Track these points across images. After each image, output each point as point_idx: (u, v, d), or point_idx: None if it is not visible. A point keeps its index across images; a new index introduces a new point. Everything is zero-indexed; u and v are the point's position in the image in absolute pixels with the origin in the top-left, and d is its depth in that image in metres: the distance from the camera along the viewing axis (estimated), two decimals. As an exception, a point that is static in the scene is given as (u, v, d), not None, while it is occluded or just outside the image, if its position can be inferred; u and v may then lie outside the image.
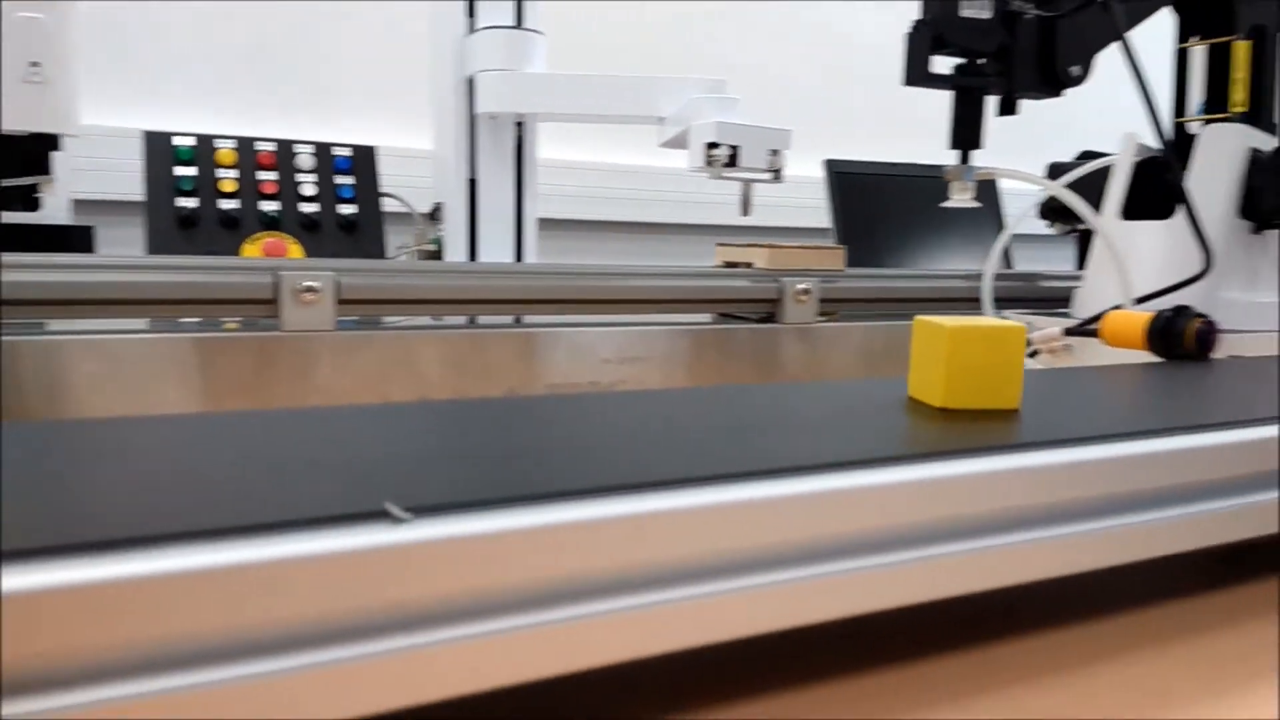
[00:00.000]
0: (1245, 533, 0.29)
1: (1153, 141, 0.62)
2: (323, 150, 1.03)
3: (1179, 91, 0.73)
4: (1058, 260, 1.22)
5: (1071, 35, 0.65)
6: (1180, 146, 0.69)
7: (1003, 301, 0.73)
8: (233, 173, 0.98)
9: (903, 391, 0.33)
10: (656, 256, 1.47)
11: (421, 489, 0.19)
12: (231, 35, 1.18)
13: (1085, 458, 0.26)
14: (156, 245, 0.93)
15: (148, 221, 0.94)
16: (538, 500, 0.19)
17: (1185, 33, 0.72)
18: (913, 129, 1.20)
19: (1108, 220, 0.69)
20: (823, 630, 0.22)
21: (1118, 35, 0.60)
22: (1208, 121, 0.69)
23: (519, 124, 0.93)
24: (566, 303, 0.64)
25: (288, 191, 1.00)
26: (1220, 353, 0.46)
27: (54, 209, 0.93)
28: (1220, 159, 0.66)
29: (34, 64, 0.63)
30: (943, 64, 0.64)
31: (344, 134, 1.09)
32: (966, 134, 0.65)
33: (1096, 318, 0.51)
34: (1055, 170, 0.78)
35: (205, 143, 0.98)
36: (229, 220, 0.96)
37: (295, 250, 0.98)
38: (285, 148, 1.01)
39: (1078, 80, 0.66)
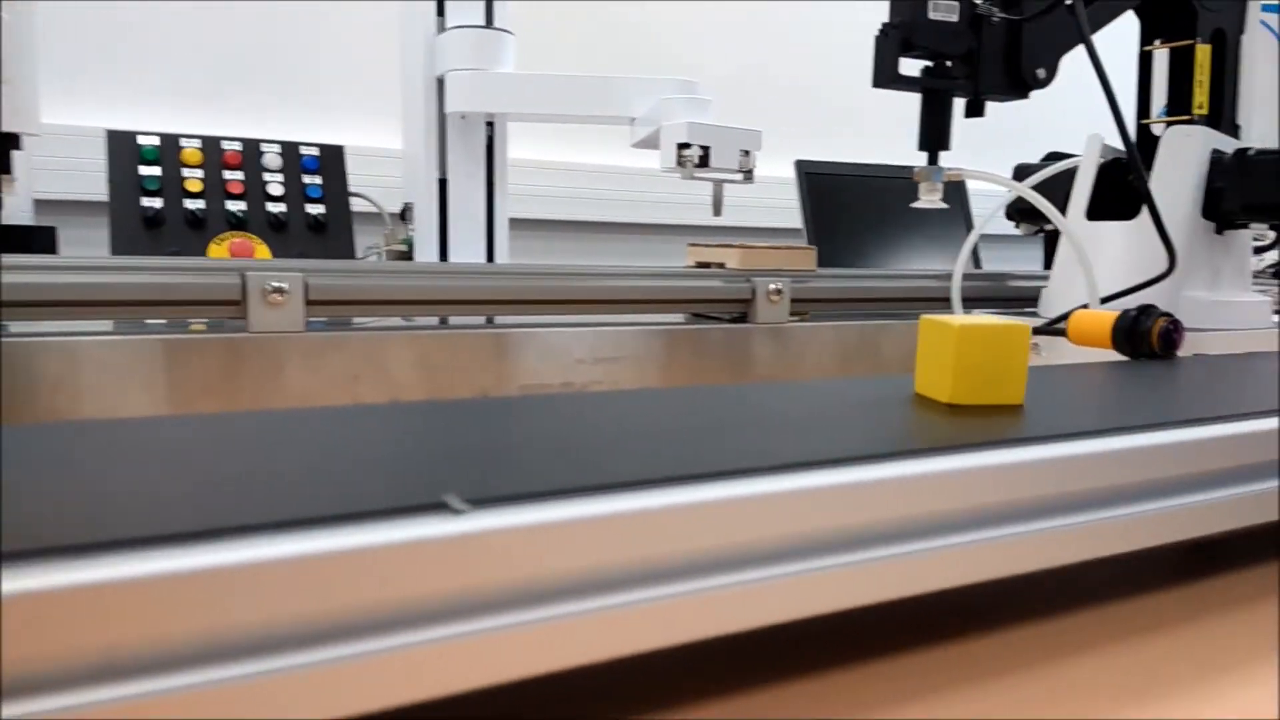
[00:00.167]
0: (1237, 522, 0.30)
1: (1117, 143, 0.62)
2: (290, 149, 1.02)
3: (1143, 94, 0.74)
4: (1025, 260, 1.24)
5: (1037, 38, 0.65)
6: (1144, 148, 0.70)
7: (971, 301, 0.74)
8: (198, 172, 0.97)
9: (909, 389, 0.34)
10: (628, 257, 1.47)
11: (463, 483, 0.20)
12: (197, 33, 1.17)
13: (1101, 449, 0.27)
14: (121, 246, 0.92)
15: (112, 222, 0.92)
16: (591, 491, 0.20)
17: (1148, 36, 0.73)
18: (883, 130, 1.21)
19: (1073, 221, 0.70)
20: (828, 622, 0.23)
21: (1082, 38, 0.61)
22: (1170, 124, 0.70)
23: (490, 124, 0.93)
24: (538, 303, 0.64)
25: (254, 191, 0.99)
26: (1184, 351, 0.47)
27: (15, 209, 0.91)
28: (1183, 160, 0.67)
29: (-7, 61, 0.61)
30: (911, 66, 0.65)
31: (311, 133, 1.08)
32: (934, 135, 0.66)
33: (1063, 317, 0.51)
34: (1021, 172, 0.79)
35: (170, 142, 0.97)
36: (195, 220, 0.95)
37: (262, 251, 0.97)
38: (252, 147, 1.00)
39: (1043, 83, 0.67)
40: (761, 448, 0.24)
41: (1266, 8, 0.73)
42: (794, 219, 1.30)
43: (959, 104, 0.67)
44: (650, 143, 0.87)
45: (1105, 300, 0.61)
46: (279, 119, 1.20)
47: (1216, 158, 0.67)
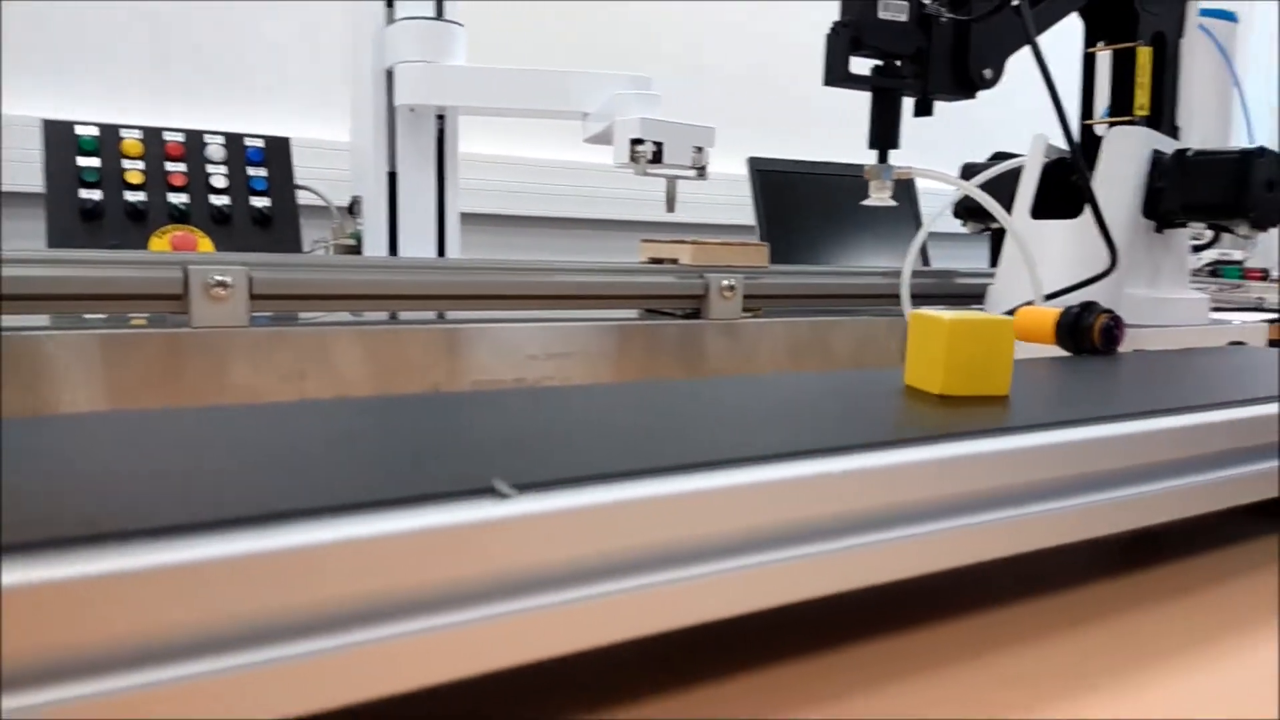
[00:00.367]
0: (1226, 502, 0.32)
1: (1062, 143, 0.64)
2: (234, 141, 1.00)
3: (1086, 95, 0.76)
4: (972, 258, 1.25)
5: (984, 39, 0.66)
6: (1087, 148, 0.72)
7: (919, 298, 0.75)
8: (139, 164, 0.94)
9: (899, 381, 0.35)
10: (581, 252, 1.46)
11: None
12: (138, 19, 1.14)
13: (1097, 436, 0.29)
14: (58, 239, 0.89)
15: (48, 214, 0.90)
16: (629, 476, 0.21)
17: (1092, 38, 0.75)
18: (834, 128, 1.22)
19: (1018, 219, 0.71)
20: (836, 608, 0.23)
21: (1028, 39, 0.62)
22: (1113, 124, 0.71)
23: (440, 117, 0.92)
24: (490, 299, 0.63)
25: (197, 183, 0.96)
26: (1125, 347, 0.48)
27: (-56, 200, 0.88)
28: (1124, 160, 0.69)
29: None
30: (862, 65, 0.65)
31: (256, 124, 1.06)
32: (884, 134, 0.66)
33: (1008, 314, 0.52)
34: (968, 171, 0.80)
35: (110, 132, 0.94)
36: (135, 213, 0.93)
37: (205, 244, 0.95)
38: (194, 138, 0.98)
39: (990, 83, 0.68)
40: (785, 436, 0.25)
41: (1204, 12, 0.75)
42: (747, 216, 1.31)
43: (908, 103, 0.68)
44: (603, 138, 0.86)
45: (1049, 297, 0.62)
46: (223, 110, 1.17)
47: (1157, 158, 0.69)
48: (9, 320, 0.51)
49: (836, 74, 0.63)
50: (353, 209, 0.98)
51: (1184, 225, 0.71)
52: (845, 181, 1.34)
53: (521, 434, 0.24)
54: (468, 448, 0.23)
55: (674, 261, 0.73)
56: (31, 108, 1.02)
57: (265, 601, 0.16)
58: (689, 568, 0.21)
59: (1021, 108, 0.97)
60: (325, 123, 1.14)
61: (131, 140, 0.95)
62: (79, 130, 0.93)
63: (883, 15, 0.63)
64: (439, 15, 0.88)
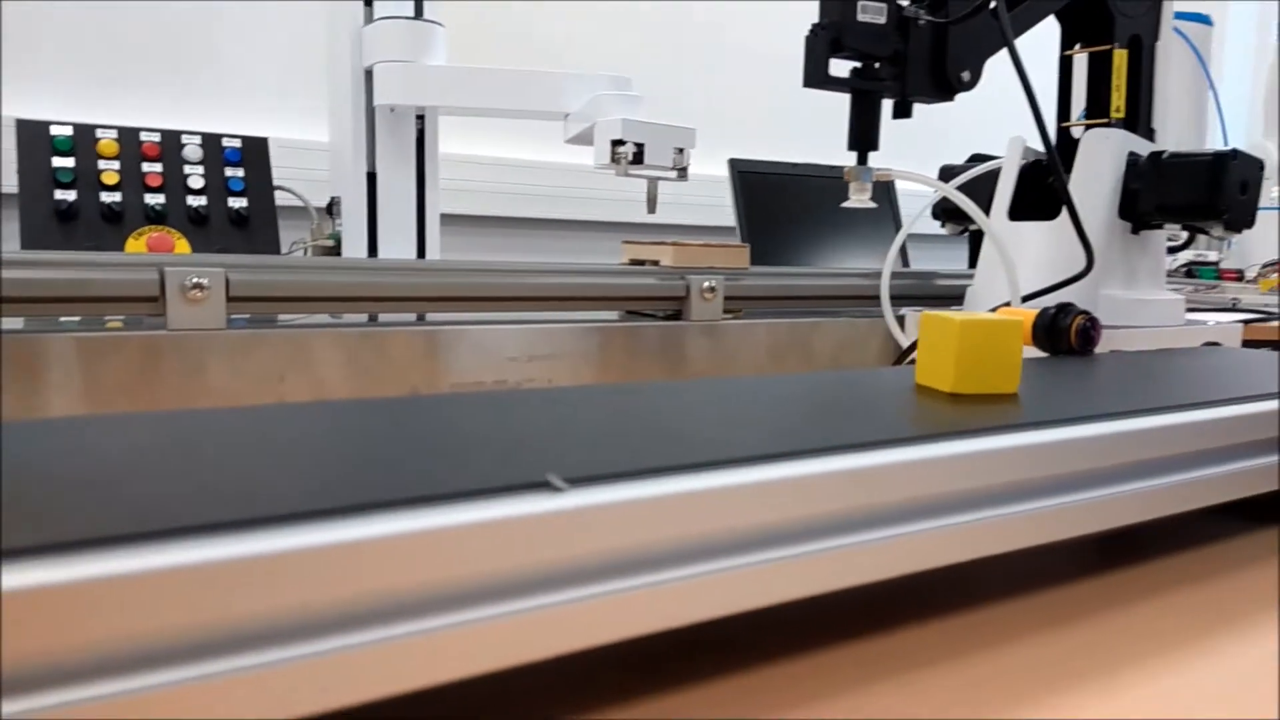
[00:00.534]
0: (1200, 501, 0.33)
1: (1039, 145, 0.64)
2: (211, 141, 0.99)
3: (1063, 98, 0.76)
4: (951, 259, 1.26)
5: (962, 42, 0.67)
6: (1064, 150, 0.72)
7: (899, 299, 0.75)
8: (115, 164, 0.93)
9: (910, 380, 0.36)
10: (562, 254, 1.46)
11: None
12: (113, 17, 1.12)
13: (1116, 431, 0.30)
14: (32, 240, 0.88)
15: (22, 215, 0.89)
16: (677, 470, 0.22)
17: (1068, 41, 0.76)
18: (815, 130, 1.22)
19: (996, 221, 0.72)
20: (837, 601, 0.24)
21: (1005, 42, 0.63)
22: (1089, 126, 0.72)
23: (420, 117, 0.91)
24: (471, 300, 0.63)
25: (174, 184, 0.96)
26: (1102, 347, 0.48)
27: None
28: (1100, 163, 0.69)
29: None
30: (841, 68, 0.65)
31: (234, 124, 1.05)
32: (863, 136, 0.67)
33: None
34: (947, 173, 0.80)
35: (85, 132, 0.93)
36: (111, 214, 0.92)
37: (182, 245, 0.94)
38: (171, 138, 0.97)
39: (968, 85, 0.69)
40: (823, 432, 0.26)
41: (1179, 15, 0.75)
42: (727, 217, 1.31)
43: (887, 105, 0.68)
44: (584, 139, 0.86)
45: (1026, 298, 0.63)
46: (200, 109, 1.16)
47: (1133, 160, 0.69)
48: (-19, 323, 0.50)
49: (816, 76, 0.64)
50: (331, 210, 0.97)
51: (1159, 227, 0.71)
52: (825, 183, 1.35)
53: (543, 433, 0.25)
54: (502, 445, 0.23)
55: (655, 263, 0.73)
56: (5, 107, 1.01)
57: (314, 596, 0.17)
58: (732, 558, 0.22)
59: (1000, 110, 0.98)
60: (304, 123, 1.14)
61: (107, 140, 0.94)
62: (54, 130, 0.92)
63: (862, 18, 0.63)
64: (418, 15, 0.88)
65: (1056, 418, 0.29)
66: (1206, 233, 0.70)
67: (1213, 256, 1.36)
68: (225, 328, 0.53)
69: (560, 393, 0.31)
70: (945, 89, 0.68)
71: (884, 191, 1.40)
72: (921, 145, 0.99)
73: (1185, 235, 0.82)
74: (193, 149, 0.98)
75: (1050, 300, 0.54)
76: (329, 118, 0.93)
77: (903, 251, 1.05)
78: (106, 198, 0.92)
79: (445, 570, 0.18)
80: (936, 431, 0.27)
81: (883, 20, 0.64)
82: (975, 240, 0.90)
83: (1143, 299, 0.70)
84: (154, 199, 0.94)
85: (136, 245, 0.92)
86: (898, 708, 0.23)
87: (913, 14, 0.65)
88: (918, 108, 0.68)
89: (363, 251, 0.90)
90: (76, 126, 0.93)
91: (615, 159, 0.80)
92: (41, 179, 0.90)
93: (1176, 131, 0.75)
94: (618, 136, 0.79)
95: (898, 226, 1.37)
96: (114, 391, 0.51)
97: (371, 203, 0.90)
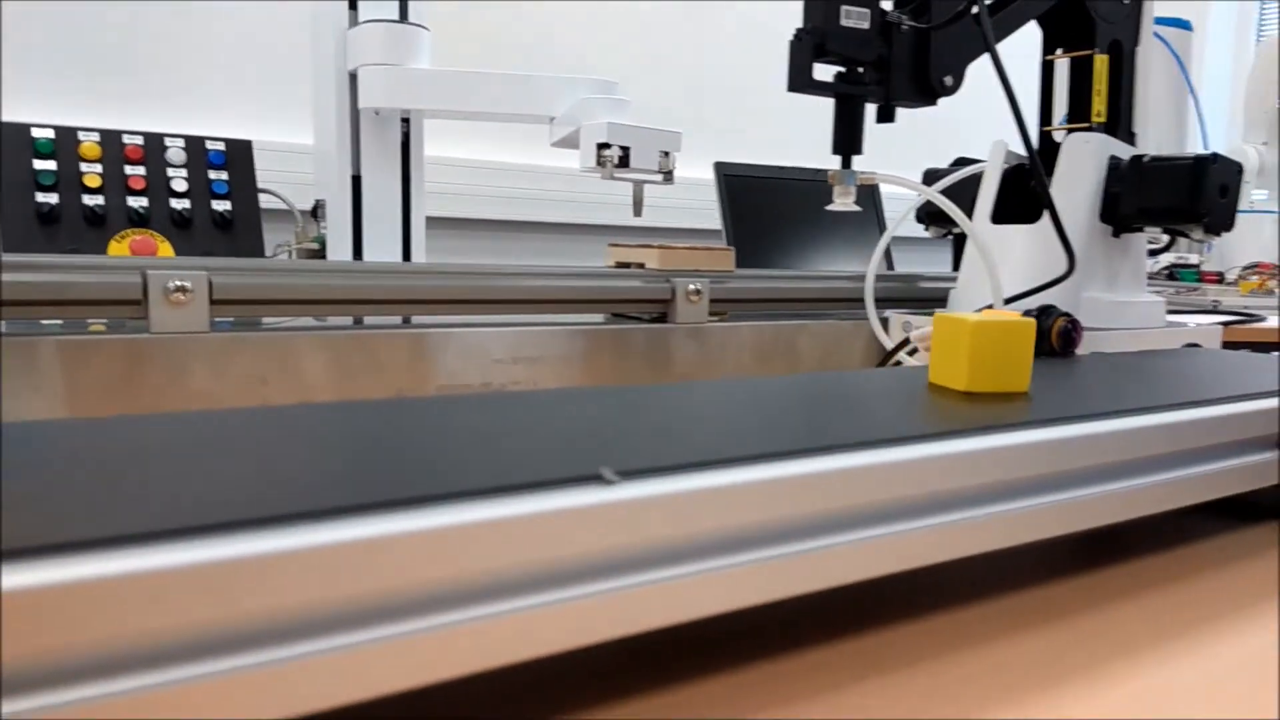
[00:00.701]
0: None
1: (1021, 149, 0.65)
2: (195, 144, 0.99)
3: (1045, 102, 0.77)
4: (935, 262, 1.27)
5: (945, 47, 0.67)
6: (1046, 154, 0.73)
7: (884, 302, 0.76)
8: (97, 167, 0.93)
9: (923, 380, 0.37)
10: (547, 256, 1.46)
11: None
12: (96, 19, 1.12)
13: (1130, 427, 0.31)
14: (14, 243, 0.87)
15: (4, 218, 0.88)
16: (722, 464, 0.22)
17: (1050, 46, 0.76)
18: (799, 134, 1.23)
19: (979, 224, 0.72)
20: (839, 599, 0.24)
21: (987, 47, 0.63)
22: (1071, 130, 0.72)
23: (405, 120, 0.91)
24: (456, 303, 0.63)
25: (157, 187, 0.95)
26: (1083, 349, 0.49)
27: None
28: (1082, 166, 0.70)
29: None
30: (825, 72, 0.66)
31: (218, 127, 1.05)
32: (847, 140, 0.67)
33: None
34: (930, 176, 0.81)
35: (67, 135, 0.93)
36: (94, 217, 0.91)
37: (165, 249, 0.93)
38: (155, 141, 0.97)
39: (950, 90, 0.69)
40: (850, 428, 0.27)
41: (1160, 20, 0.76)
42: (713, 220, 1.32)
43: (871, 109, 0.68)
44: (570, 142, 0.86)
45: (1009, 301, 0.63)
46: (183, 112, 1.16)
47: (1114, 164, 0.70)
48: (-38, 326, 0.50)
49: (800, 80, 0.64)
50: (316, 213, 0.97)
51: (1140, 230, 0.72)
52: (810, 186, 1.35)
53: (576, 431, 0.26)
54: (537, 443, 0.24)
55: (641, 266, 0.73)
56: (-14, 109, 1.00)
57: (314, 597, 0.17)
58: (769, 549, 0.23)
59: (983, 113, 0.99)
60: (288, 126, 1.13)
61: (90, 143, 0.93)
62: (35, 132, 0.91)
63: (845, 23, 0.63)
64: (403, 18, 0.88)
65: (1075, 414, 0.30)
66: (1187, 236, 0.71)
67: (1193, 259, 1.38)
68: (208, 331, 0.53)
69: (560, 393, 0.31)
70: (928, 93, 0.68)
71: (868, 195, 1.40)
72: (905, 149, 0.99)
73: (1166, 238, 0.83)
74: (176, 152, 0.97)
75: (1032, 302, 0.54)
76: (314, 121, 0.93)
77: (887, 254, 1.06)
78: (89, 200, 0.91)
79: (445, 571, 0.18)
80: (964, 427, 0.28)
81: (866, 25, 0.64)
82: (959, 243, 0.90)
83: (1124, 301, 0.71)
84: (137, 202, 0.93)
85: (119, 248, 0.91)
86: (887, 705, 0.23)
87: (895, 19, 0.65)
88: (901, 112, 0.68)
89: (348, 255, 0.90)
90: (58, 129, 0.92)
91: (601, 162, 0.80)
92: (23, 182, 0.89)
93: (1157, 135, 0.76)
94: (603, 140, 0.79)
95: (882, 229, 1.38)
96: (97, 395, 0.50)
97: (356, 206, 0.89)
